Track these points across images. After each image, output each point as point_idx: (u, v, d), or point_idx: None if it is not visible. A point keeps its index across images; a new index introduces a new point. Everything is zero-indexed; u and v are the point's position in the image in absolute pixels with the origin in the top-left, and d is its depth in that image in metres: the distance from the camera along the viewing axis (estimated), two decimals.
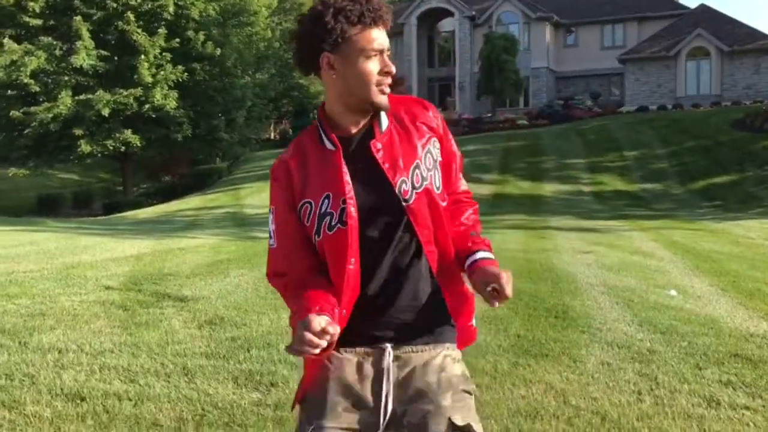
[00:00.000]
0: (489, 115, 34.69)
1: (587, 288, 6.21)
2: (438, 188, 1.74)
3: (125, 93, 24.62)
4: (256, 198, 20.03)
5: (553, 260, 7.89)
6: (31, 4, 23.84)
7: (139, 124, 25.95)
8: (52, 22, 24.89)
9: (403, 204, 1.68)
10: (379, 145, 1.69)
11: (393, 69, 1.68)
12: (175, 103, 25.51)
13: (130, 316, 5.13)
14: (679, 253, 8.66)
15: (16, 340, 4.44)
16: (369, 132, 1.71)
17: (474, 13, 38.36)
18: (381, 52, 1.66)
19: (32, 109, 24.08)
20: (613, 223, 13.05)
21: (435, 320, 1.75)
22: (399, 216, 1.69)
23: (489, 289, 1.62)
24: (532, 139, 27.62)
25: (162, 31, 25.45)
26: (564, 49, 38.69)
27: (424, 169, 1.71)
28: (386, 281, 1.70)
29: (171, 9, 25.77)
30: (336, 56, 1.63)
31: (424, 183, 1.70)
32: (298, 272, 1.72)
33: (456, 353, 1.76)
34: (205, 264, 7.57)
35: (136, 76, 24.93)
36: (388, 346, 1.70)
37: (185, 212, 19.11)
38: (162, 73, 25.41)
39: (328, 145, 1.71)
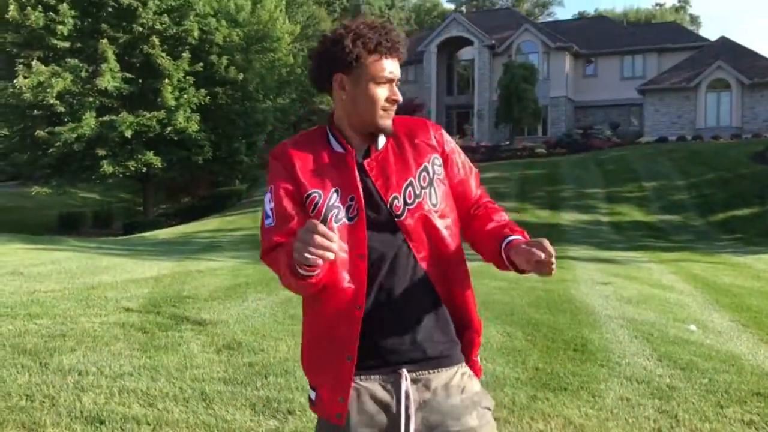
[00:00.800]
0: (507, 143, 34.73)
1: (606, 320, 6.16)
2: (434, 205, 1.77)
3: (148, 115, 24.98)
4: None
5: (571, 291, 7.85)
6: (60, 27, 24.32)
7: (161, 145, 26.27)
8: (79, 45, 25.36)
9: (395, 219, 1.72)
10: (373, 164, 1.75)
11: (400, 98, 1.77)
12: (197, 125, 25.84)
13: (149, 338, 5.17)
14: (698, 286, 8.58)
15: (36, 361, 4.48)
16: (367, 152, 1.78)
17: (494, 42, 38.60)
18: (391, 81, 1.74)
19: (57, 129, 24.47)
20: (631, 254, 12.97)
21: (444, 338, 1.76)
22: (394, 231, 1.72)
23: (533, 255, 1.63)
24: (550, 168, 27.59)
25: (186, 55, 25.86)
26: (583, 79, 38.77)
27: (417, 186, 1.75)
28: (388, 294, 1.71)
29: (195, 34, 26.22)
30: (348, 78, 1.73)
31: (417, 200, 1.74)
32: None
33: (468, 369, 1.79)
34: (224, 287, 7.61)
35: (159, 99, 25.31)
36: (404, 370, 1.70)
37: (204, 234, 19.23)
38: (185, 96, 25.77)
39: (337, 147, 1.78)
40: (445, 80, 41.47)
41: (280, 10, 31.26)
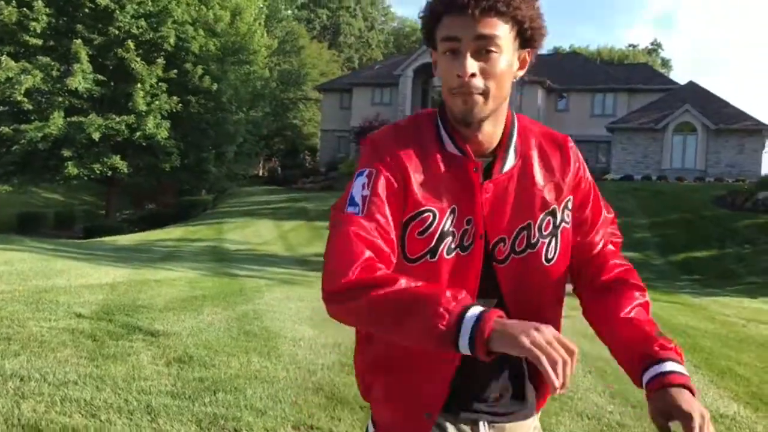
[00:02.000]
0: None
1: None
2: (549, 260, 1.42)
3: (118, 119, 24.70)
4: (239, 234, 19.95)
5: None
6: (33, 24, 24.01)
7: (129, 150, 25.97)
8: (51, 43, 25.05)
9: (493, 263, 1.39)
10: (491, 187, 1.38)
11: (466, 71, 1.29)
12: (166, 132, 25.62)
13: (99, 347, 5.04)
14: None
15: None
16: (491, 161, 1.40)
17: None
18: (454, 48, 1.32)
19: (22, 126, 24.05)
20: None
21: (524, 387, 1.49)
22: (488, 272, 1.39)
23: (671, 427, 1.24)
24: None
25: (161, 61, 25.69)
26: (555, 113, 39.37)
27: (536, 232, 1.41)
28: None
29: (172, 41, 26.08)
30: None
31: (529, 250, 1.40)
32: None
33: (538, 423, 1.55)
34: (180, 299, 7.49)
35: (130, 104, 25.06)
36: (484, 421, 1.44)
37: (166, 242, 18.96)
38: (156, 102, 25.56)
39: (451, 148, 1.38)
40: (420, 104, 41.76)
41: (259, 24, 31.29)
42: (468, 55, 1.28)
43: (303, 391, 4.31)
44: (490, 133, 1.38)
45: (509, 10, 1.28)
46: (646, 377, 1.30)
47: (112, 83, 25.82)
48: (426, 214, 1.34)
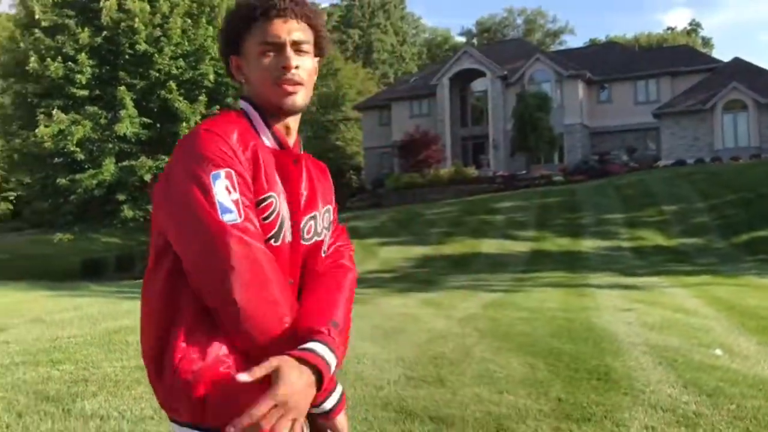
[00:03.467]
0: (524, 172, 34.73)
1: (629, 348, 6.08)
2: (324, 252, 1.60)
3: (167, 159, 25.32)
4: None
5: (593, 319, 7.76)
6: (79, 76, 24.87)
7: None
8: (97, 92, 25.88)
9: (302, 242, 1.51)
10: (303, 172, 1.56)
11: (295, 61, 1.47)
12: None
13: None
14: (723, 310, 8.46)
15: (59, 407, 4.50)
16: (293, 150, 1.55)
17: (506, 72, 38.86)
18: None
19: (77, 176, 24.87)
20: (654, 280, 12.83)
21: None
22: (294, 255, 1.50)
23: None
24: (568, 195, 27.49)
25: (202, 98, 26.28)
26: (598, 105, 38.82)
27: (326, 221, 1.60)
28: None
29: (211, 77, 26.65)
30: None
31: (324, 233, 1.59)
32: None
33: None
34: None
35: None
36: None
37: None
38: None
39: (270, 143, 1.50)
40: (458, 112, 41.70)
41: None
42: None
43: (372, 408, 4.35)
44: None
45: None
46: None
47: (157, 125, 26.51)
48: (270, 200, 1.43)
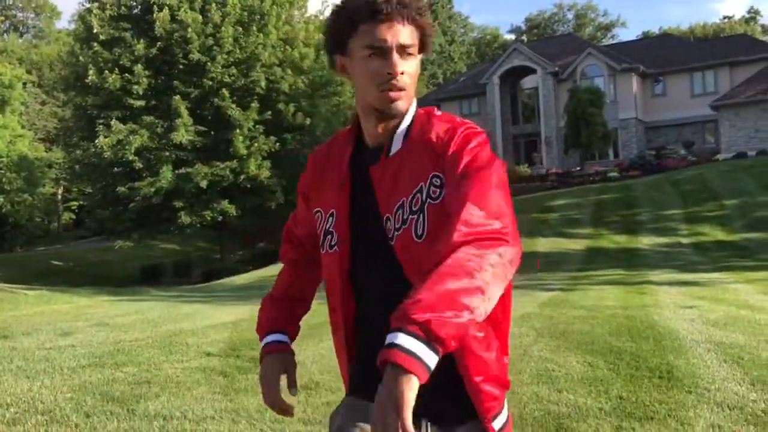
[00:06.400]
0: (578, 168, 34.19)
1: (692, 345, 5.92)
2: (419, 236, 1.43)
3: (222, 165, 25.83)
4: None
5: (654, 316, 7.58)
6: (135, 87, 25.58)
7: (235, 193, 27.04)
8: (153, 102, 26.58)
9: (390, 243, 1.48)
10: (378, 172, 1.52)
11: (401, 67, 1.47)
12: (268, 172, 26.52)
13: (230, 382, 5.27)
14: None
15: (124, 408, 4.63)
16: (380, 150, 1.55)
17: (557, 68, 38.33)
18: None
19: (136, 184, 25.56)
20: (716, 276, 12.47)
21: (456, 388, 1.45)
22: (389, 254, 1.48)
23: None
24: (624, 192, 26.95)
25: (255, 104, 26.72)
26: (652, 99, 37.95)
27: (408, 209, 1.46)
28: (370, 326, 1.54)
29: (263, 84, 27.10)
30: None
31: (403, 227, 1.46)
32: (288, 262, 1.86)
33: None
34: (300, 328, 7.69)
35: (231, 149, 26.17)
36: (423, 422, 1.48)
37: None
38: (256, 144, 26.57)
39: (360, 145, 1.61)
40: (509, 110, 41.32)
41: None
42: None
43: None
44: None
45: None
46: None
47: (212, 132, 27.07)
48: (317, 214, 1.64)
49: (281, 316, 1.79)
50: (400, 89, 1.47)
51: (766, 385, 4.58)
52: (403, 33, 1.46)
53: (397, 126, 1.53)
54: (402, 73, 1.46)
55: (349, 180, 1.57)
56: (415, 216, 1.44)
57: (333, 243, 1.58)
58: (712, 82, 36.92)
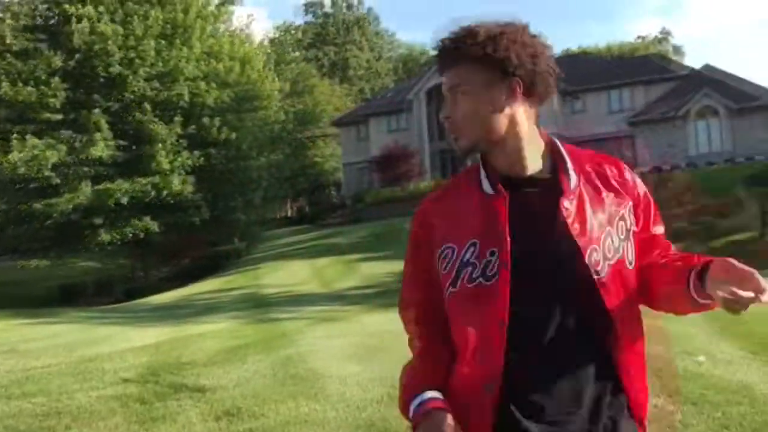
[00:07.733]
0: None
1: None
2: (630, 263, 1.47)
3: (144, 181, 25.11)
4: (274, 277, 20.03)
5: None
6: (52, 100, 24.63)
7: (158, 209, 26.34)
8: (72, 116, 25.64)
9: (595, 277, 1.40)
10: (567, 204, 1.43)
11: (446, 112, 1.52)
12: (192, 187, 25.95)
13: (147, 410, 5.06)
14: (703, 315, 8.46)
15: None
16: (553, 182, 1.48)
17: None
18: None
19: (53, 200, 24.56)
20: None
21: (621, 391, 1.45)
22: (574, 288, 1.41)
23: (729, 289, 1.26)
24: None
25: (178, 119, 26.11)
26: (573, 115, 39.09)
27: (616, 238, 1.45)
28: (536, 369, 1.40)
29: (186, 97, 26.54)
30: None
31: (616, 256, 1.44)
32: (430, 307, 1.54)
33: None
34: (223, 350, 7.50)
35: (154, 164, 25.47)
36: None
37: (204, 295, 19.10)
38: (179, 159, 25.96)
39: (487, 188, 1.48)
40: (436, 125, 41.79)
41: (269, 69, 31.73)
42: None
43: (354, 430, 4.26)
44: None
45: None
46: (693, 273, 1.39)
47: (133, 147, 26.29)
48: (446, 251, 1.47)
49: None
50: (451, 132, 1.51)
51: (682, 396, 4.70)
52: (450, 76, 1.49)
53: (555, 158, 1.56)
54: (447, 118, 1.51)
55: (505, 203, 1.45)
56: (624, 243, 1.47)
57: (477, 275, 1.42)
58: (628, 99, 38.35)
